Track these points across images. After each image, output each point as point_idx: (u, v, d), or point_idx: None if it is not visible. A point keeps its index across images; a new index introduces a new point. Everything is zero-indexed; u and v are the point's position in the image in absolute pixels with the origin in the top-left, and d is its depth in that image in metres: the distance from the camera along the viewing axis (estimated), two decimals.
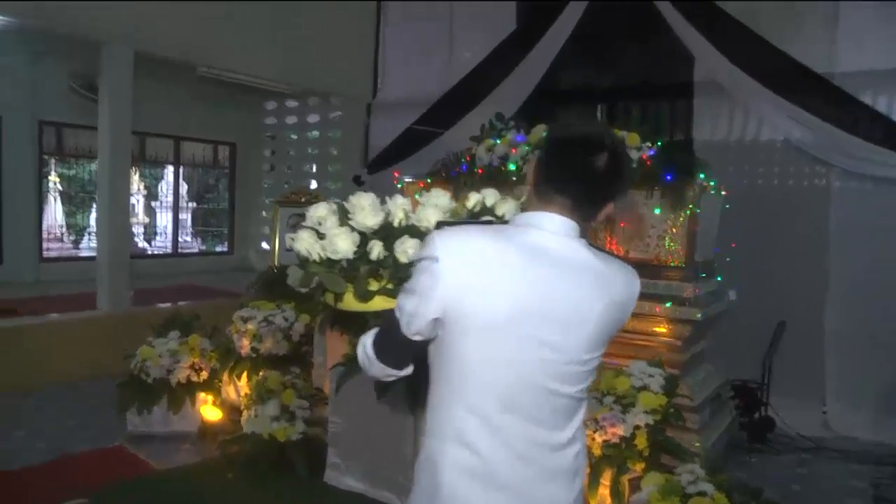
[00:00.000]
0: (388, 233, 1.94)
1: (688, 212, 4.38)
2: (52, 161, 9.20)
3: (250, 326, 4.91)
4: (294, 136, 9.08)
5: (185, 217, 10.51)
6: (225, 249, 10.00)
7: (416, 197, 2.05)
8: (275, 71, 7.43)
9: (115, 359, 4.99)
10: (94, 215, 10.09)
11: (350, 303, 1.92)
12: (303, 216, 6.03)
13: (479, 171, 4.95)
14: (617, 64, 6.96)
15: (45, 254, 8.81)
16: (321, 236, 1.96)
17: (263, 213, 9.38)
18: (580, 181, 1.52)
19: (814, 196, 5.75)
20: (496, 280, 1.45)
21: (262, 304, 5.11)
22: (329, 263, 1.93)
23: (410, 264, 1.81)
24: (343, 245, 1.89)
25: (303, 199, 6.05)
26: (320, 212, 2.01)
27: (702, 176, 4.52)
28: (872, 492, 4.37)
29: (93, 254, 9.34)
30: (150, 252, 10.21)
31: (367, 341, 1.65)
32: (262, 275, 5.94)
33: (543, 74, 6.78)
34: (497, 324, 1.46)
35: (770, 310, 5.54)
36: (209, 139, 9.46)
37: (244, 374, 4.86)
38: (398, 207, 1.97)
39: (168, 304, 7.06)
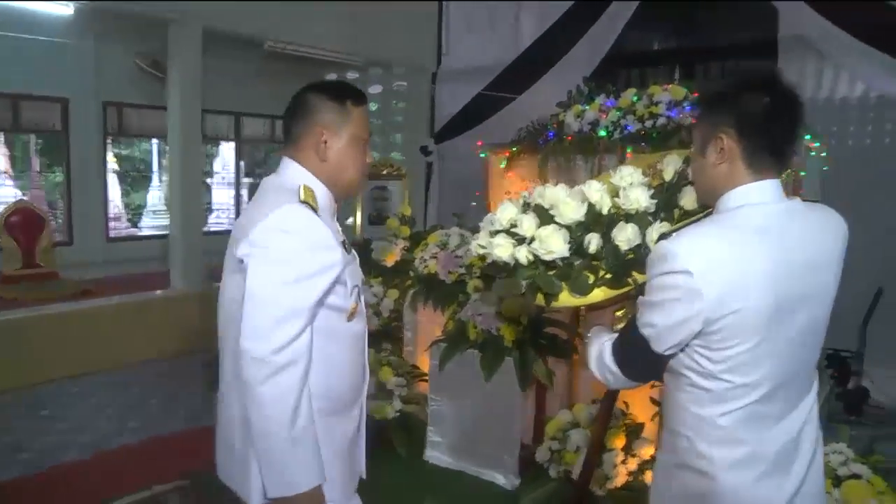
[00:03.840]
0: (595, 222, 1.84)
1: (790, 175, 4.19)
2: (108, 141, 9.21)
3: None
4: None
5: (243, 193, 10.50)
6: None
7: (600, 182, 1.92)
8: (340, 42, 7.32)
9: (192, 337, 4.96)
10: (150, 194, 10.13)
11: (566, 300, 1.83)
12: (384, 188, 5.95)
13: (569, 137, 4.80)
14: (694, 22, 6.75)
15: (110, 234, 8.88)
16: (519, 239, 1.87)
17: None
18: (795, 139, 1.51)
19: None
20: (751, 278, 1.40)
21: None
22: (536, 265, 1.84)
23: (630, 251, 1.74)
24: (557, 245, 1.79)
25: (384, 172, 5.96)
26: (510, 213, 1.92)
27: (807, 137, 4.32)
28: None
29: (154, 233, 9.43)
30: (207, 229, 10.20)
31: (606, 357, 1.61)
32: None
33: (617, 37, 6.59)
34: (762, 322, 1.41)
35: (866, 276, 5.31)
36: (269, 114, 9.41)
37: None
38: (598, 193, 1.86)
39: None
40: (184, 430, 4.57)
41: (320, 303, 1.68)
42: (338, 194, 1.85)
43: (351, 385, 1.84)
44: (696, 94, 4.46)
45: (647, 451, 3.19)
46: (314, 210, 1.70)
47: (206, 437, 4.38)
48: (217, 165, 10.58)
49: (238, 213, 9.90)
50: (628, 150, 4.44)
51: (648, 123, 4.46)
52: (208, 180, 10.67)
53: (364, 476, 1.99)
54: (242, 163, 10.50)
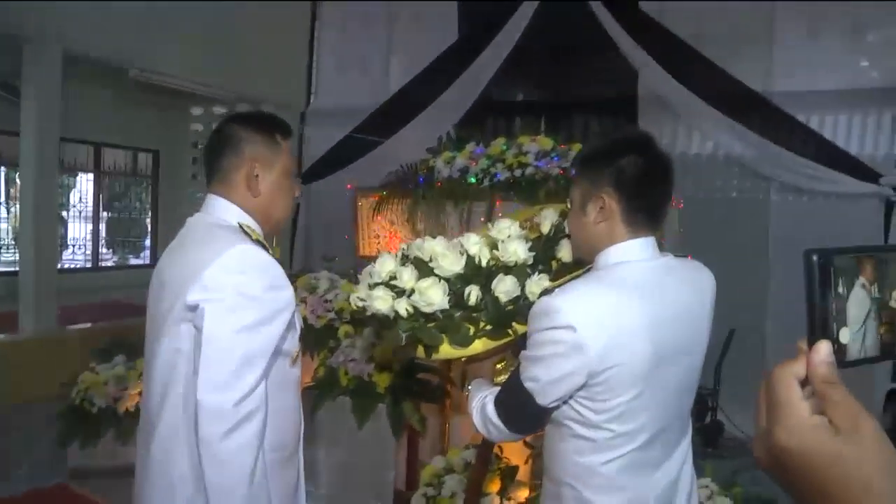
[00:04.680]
0: (474, 274, 1.87)
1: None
2: None
3: None
4: None
5: (101, 228, 9.93)
6: (146, 262, 9.53)
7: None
8: (209, 75, 7.13)
9: (43, 385, 4.62)
10: None
11: (447, 351, 1.85)
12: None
13: (438, 183, 4.88)
14: (561, 77, 7.07)
15: None
16: (398, 291, 1.88)
17: None
18: (669, 199, 1.60)
19: (755, 209, 5.99)
20: (632, 332, 1.45)
21: None
22: (416, 317, 1.85)
23: (510, 303, 1.77)
24: (437, 297, 1.81)
25: None
26: (389, 266, 1.94)
27: None
28: None
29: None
30: (61, 266, 9.56)
31: (489, 410, 1.63)
32: None
33: (485, 86, 6.77)
34: (643, 374, 1.46)
35: (719, 318, 5.67)
36: (132, 146, 8.98)
37: None
38: (476, 246, 1.91)
39: (88, 325, 6.65)
40: (27, 492, 4.20)
41: (276, 349, 1.62)
42: (268, 231, 1.81)
43: (295, 432, 1.79)
44: (562, 146, 4.66)
45: (522, 494, 3.24)
46: (266, 249, 1.66)
47: (52, 498, 4.10)
48: (73, 198, 9.99)
49: (96, 250, 9.34)
50: (498, 198, 4.58)
51: (517, 172, 4.60)
52: (63, 213, 10.07)
53: None
54: (101, 196, 9.98)
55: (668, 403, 1.55)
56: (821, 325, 0.67)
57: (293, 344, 1.72)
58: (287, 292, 1.66)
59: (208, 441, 1.50)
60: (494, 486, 3.28)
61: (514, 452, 3.40)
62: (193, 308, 1.56)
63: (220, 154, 1.78)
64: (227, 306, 1.55)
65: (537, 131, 5.35)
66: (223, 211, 1.75)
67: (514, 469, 3.31)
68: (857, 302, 0.69)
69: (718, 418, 5.44)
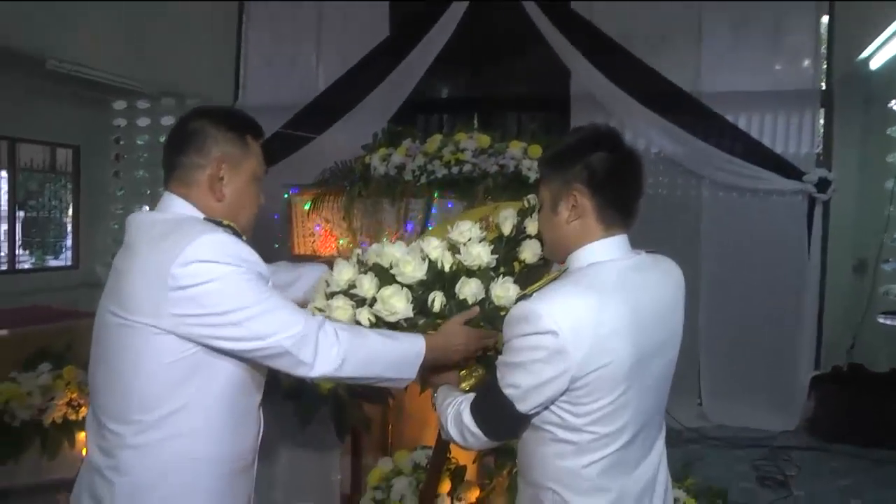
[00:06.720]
0: (437, 280, 1.83)
1: None
2: None
3: None
4: (141, 141, 8.35)
5: (17, 228, 9.42)
6: (66, 263, 9.10)
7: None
8: (132, 68, 6.86)
9: None
10: None
11: None
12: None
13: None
14: (494, 75, 7.08)
15: None
16: (359, 300, 1.82)
17: (115, 224, 8.60)
18: (640, 195, 1.60)
19: (686, 205, 6.14)
20: (614, 334, 1.43)
21: None
22: (378, 325, 1.80)
23: (475, 305, 1.74)
24: (400, 305, 1.77)
25: None
26: (346, 275, 1.88)
27: None
28: (755, 473, 4.83)
29: None
30: None
31: (465, 418, 1.58)
32: None
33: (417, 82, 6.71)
34: (625, 374, 1.45)
35: None
36: (50, 141, 8.53)
37: None
38: (437, 250, 1.86)
39: (5, 332, 6.29)
40: None
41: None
42: None
43: (254, 441, 1.72)
44: (499, 143, 4.66)
45: (472, 495, 3.23)
46: (240, 237, 1.56)
47: None
48: None
49: (13, 251, 8.88)
50: (435, 195, 4.55)
51: (455, 170, 4.57)
52: None
53: None
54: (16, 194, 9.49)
55: (647, 402, 1.54)
56: None
57: None
58: (270, 285, 1.59)
59: (309, 369, 1.54)
60: (445, 487, 3.25)
61: (462, 452, 3.37)
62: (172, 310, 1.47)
63: (182, 151, 1.64)
64: (218, 290, 1.47)
65: (471, 129, 5.35)
66: (182, 209, 1.62)
67: (463, 469, 3.29)
68: None
69: None
